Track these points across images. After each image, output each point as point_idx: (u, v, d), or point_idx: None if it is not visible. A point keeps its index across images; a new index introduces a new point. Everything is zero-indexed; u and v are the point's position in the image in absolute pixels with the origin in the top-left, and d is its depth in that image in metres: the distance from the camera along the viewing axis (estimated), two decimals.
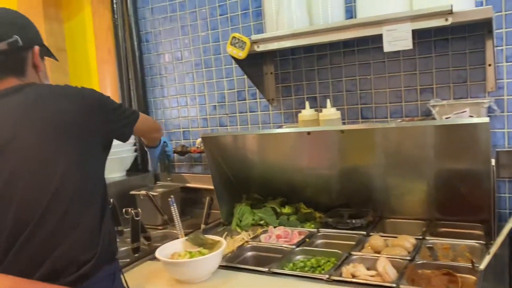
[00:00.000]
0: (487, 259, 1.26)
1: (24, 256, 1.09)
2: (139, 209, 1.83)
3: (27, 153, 1.13)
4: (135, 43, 2.62)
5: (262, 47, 1.91)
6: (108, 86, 2.76)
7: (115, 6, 2.59)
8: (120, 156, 2.46)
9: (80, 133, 1.21)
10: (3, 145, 1.13)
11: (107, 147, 1.37)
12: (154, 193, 2.22)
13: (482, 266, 1.26)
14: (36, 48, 1.32)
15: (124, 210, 1.89)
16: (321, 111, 1.89)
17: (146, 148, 2.02)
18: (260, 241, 1.79)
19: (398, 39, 1.60)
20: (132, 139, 2.53)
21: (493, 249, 1.28)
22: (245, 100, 2.37)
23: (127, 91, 2.66)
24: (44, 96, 1.23)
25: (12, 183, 1.11)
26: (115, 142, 2.46)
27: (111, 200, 1.94)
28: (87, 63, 2.86)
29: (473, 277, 1.29)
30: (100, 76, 2.77)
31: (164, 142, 2.03)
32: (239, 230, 1.97)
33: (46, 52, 1.40)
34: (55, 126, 1.17)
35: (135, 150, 2.60)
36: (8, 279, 0.82)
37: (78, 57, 2.88)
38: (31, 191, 1.11)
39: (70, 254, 1.12)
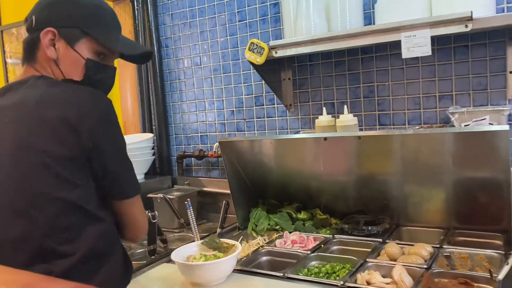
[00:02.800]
0: (505, 269, 1.25)
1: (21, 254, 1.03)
2: (156, 211, 1.86)
3: (2, 166, 1.05)
4: (155, 48, 2.66)
5: (280, 53, 1.93)
6: (128, 89, 2.82)
7: (136, 12, 2.64)
8: (138, 160, 2.50)
9: (52, 150, 1.02)
10: None
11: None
12: (171, 197, 2.25)
13: (501, 276, 1.24)
14: (47, 29, 1.11)
15: None
16: (338, 117, 1.89)
17: None
18: (275, 246, 1.79)
19: (417, 46, 1.60)
20: (150, 143, 2.57)
21: None
22: (262, 105, 2.38)
23: (147, 95, 2.70)
24: (29, 100, 1.06)
25: None
26: (134, 146, 2.50)
27: None
28: None
29: (491, 287, 1.27)
30: (120, 80, 2.83)
31: None
32: (254, 234, 1.98)
33: (92, 38, 1.15)
34: (27, 144, 1.03)
35: (153, 154, 2.64)
36: (27, 275, 0.84)
37: None
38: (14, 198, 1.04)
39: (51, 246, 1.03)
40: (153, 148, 2.62)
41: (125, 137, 1.17)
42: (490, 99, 1.80)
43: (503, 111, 1.65)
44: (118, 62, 2.89)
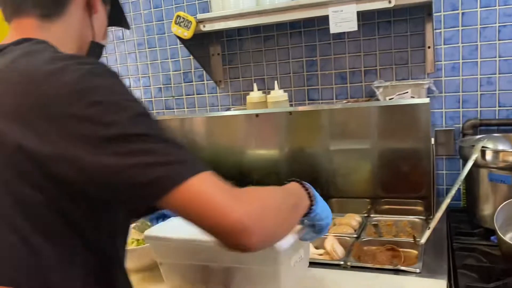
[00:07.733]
0: (427, 233, 1.33)
1: None
2: None
3: None
4: None
5: (208, 27, 1.86)
6: None
7: None
8: None
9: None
10: None
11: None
12: None
13: (423, 240, 1.32)
14: None
15: None
16: (269, 93, 1.88)
17: None
18: None
19: (344, 21, 1.61)
20: None
21: (433, 223, 1.34)
22: (191, 82, 2.31)
23: None
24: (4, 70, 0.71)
25: None
26: None
27: None
28: None
29: (415, 251, 1.35)
30: None
31: None
32: None
33: None
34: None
35: None
36: None
37: None
38: None
39: None
40: None
41: None
42: (411, 73, 1.89)
43: (423, 84, 1.74)
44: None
